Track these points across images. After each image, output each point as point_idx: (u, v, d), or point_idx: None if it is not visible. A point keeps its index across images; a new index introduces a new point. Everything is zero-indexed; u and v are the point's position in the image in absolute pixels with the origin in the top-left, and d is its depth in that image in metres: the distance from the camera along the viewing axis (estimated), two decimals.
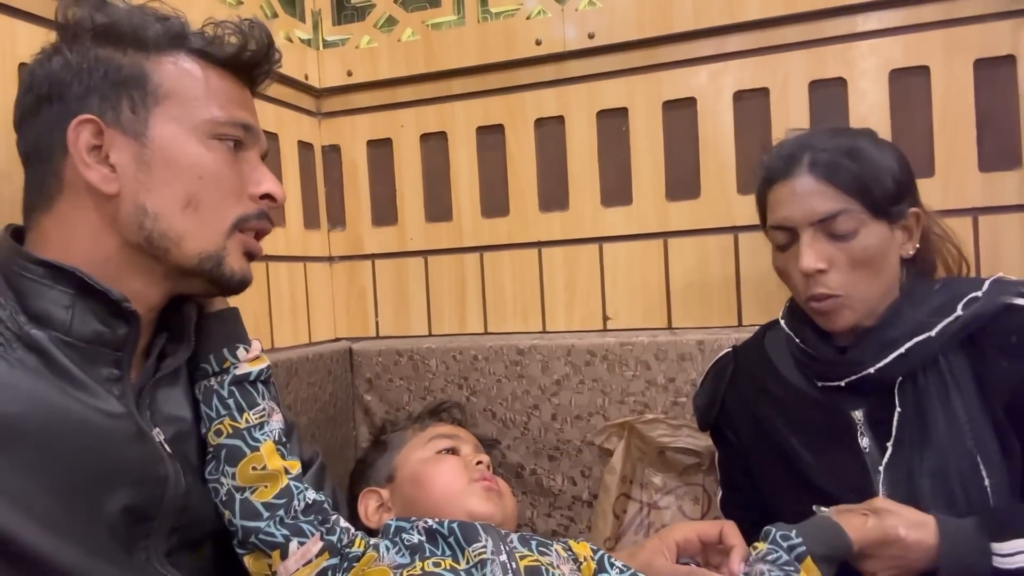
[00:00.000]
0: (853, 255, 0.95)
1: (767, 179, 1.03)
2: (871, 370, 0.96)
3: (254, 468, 0.81)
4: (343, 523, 0.85)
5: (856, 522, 0.88)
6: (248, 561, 0.81)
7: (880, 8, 1.33)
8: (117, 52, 0.76)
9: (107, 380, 0.73)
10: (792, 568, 0.83)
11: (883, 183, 0.96)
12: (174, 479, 0.76)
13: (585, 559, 0.89)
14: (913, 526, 0.88)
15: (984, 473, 0.92)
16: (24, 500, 0.64)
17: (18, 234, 0.78)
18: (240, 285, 0.83)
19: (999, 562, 0.86)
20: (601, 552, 0.90)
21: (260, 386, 0.86)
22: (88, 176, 0.74)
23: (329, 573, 0.81)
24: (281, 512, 0.80)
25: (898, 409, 0.97)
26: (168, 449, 0.77)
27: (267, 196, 0.84)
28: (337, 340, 1.67)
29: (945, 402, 0.95)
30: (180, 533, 0.78)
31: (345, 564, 0.81)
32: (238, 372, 0.85)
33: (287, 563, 0.79)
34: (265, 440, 0.83)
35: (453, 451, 1.02)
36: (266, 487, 0.81)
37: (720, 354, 1.19)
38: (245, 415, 0.83)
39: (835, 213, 0.95)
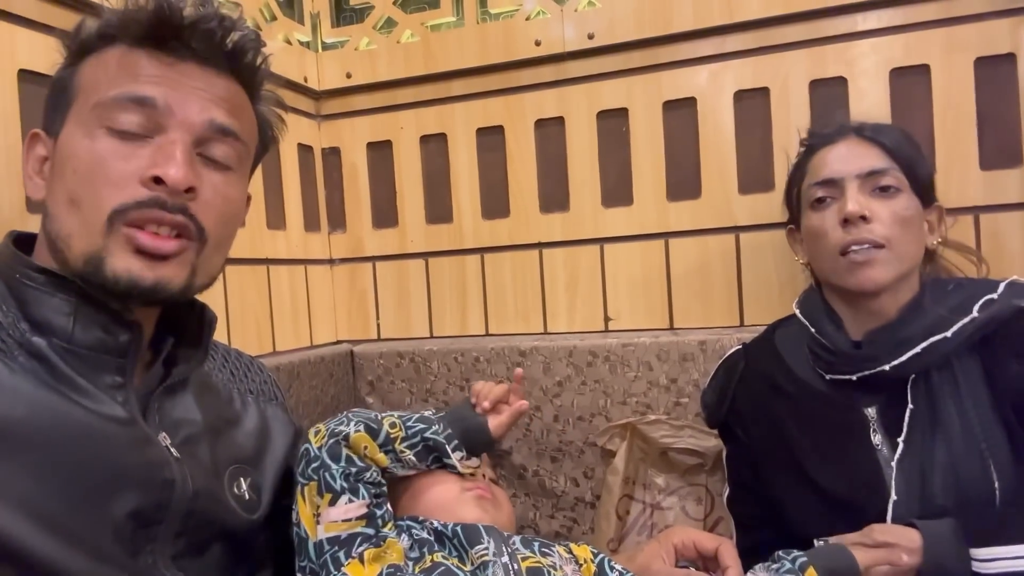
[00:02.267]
0: (895, 211, 0.99)
1: (812, 146, 1.08)
2: (886, 367, 0.97)
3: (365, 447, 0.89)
4: (389, 507, 0.89)
5: (866, 558, 0.89)
6: (307, 491, 0.85)
7: (880, 7, 1.33)
8: (66, 65, 0.77)
9: (110, 387, 0.73)
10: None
11: (923, 163, 1.03)
12: (181, 483, 0.75)
13: (585, 561, 0.89)
14: (911, 552, 0.88)
15: (994, 474, 0.92)
16: (29, 505, 0.64)
17: (19, 241, 0.78)
18: (130, 290, 0.71)
19: (978, 567, 0.87)
20: (601, 555, 0.90)
21: None
22: (25, 186, 0.77)
23: (359, 540, 0.84)
24: (354, 470, 0.86)
25: (910, 406, 0.98)
26: (176, 453, 0.77)
27: (159, 180, 0.71)
28: (338, 343, 1.67)
29: (957, 401, 0.96)
30: (187, 537, 0.77)
31: (374, 539, 0.85)
32: None
33: (331, 511, 0.84)
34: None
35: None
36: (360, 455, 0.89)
37: (730, 351, 1.19)
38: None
39: (883, 169, 1.00)
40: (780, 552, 0.90)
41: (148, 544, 0.73)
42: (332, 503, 0.84)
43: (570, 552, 0.90)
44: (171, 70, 0.74)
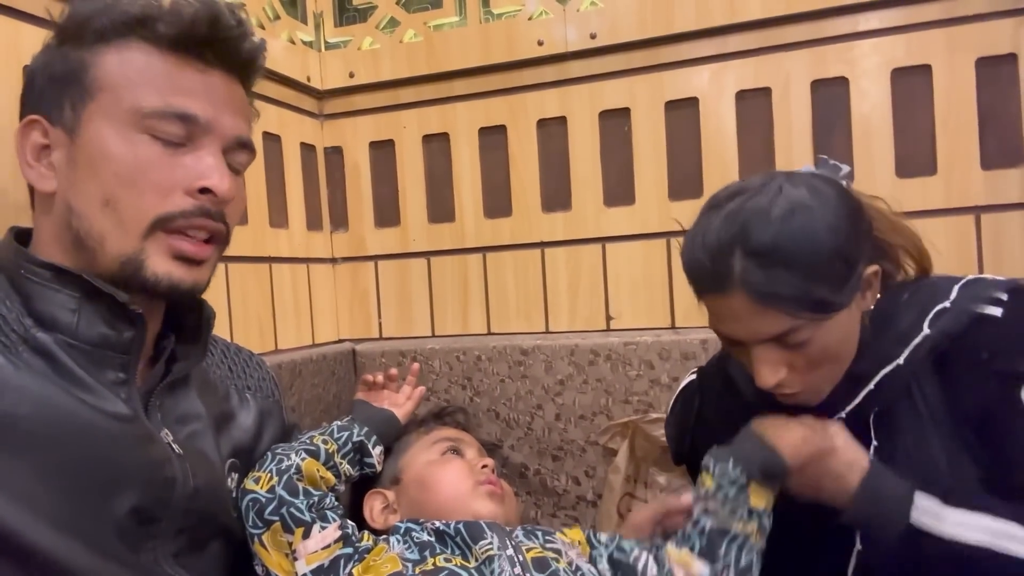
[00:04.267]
0: (811, 358, 0.84)
1: (696, 289, 0.88)
2: (843, 414, 0.89)
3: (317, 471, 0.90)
4: (352, 523, 0.89)
5: (794, 438, 0.85)
6: (267, 538, 0.84)
7: (881, 7, 1.33)
8: (71, 49, 0.74)
9: (113, 383, 0.73)
10: (743, 496, 0.85)
11: (828, 278, 0.80)
12: (182, 480, 0.75)
13: (580, 543, 0.92)
14: (851, 447, 0.84)
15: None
16: (32, 501, 0.65)
17: (21, 236, 0.78)
18: (171, 291, 0.75)
19: (943, 530, 0.80)
20: (588, 531, 0.94)
21: None
22: (27, 175, 0.74)
23: (342, 562, 0.84)
24: (315, 499, 0.87)
25: (874, 443, 0.89)
26: (178, 450, 0.77)
27: (206, 191, 0.74)
28: (340, 341, 1.68)
29: (918, 432, 0.88)
30: (187, 533, 0.78)
31: (356, 556, 0.85)
32: None
33: (307, 543, 0.83)
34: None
35: (458, 453, 1.03)
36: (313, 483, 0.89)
37: (684, 382, 1.11)
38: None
39: (784, 332, 0.82)
40: (715, 468, 0.86)
41: (149, 541, 0.74)
42: (306, 536, 0.84)
43: (565, 536, 0.92)
44: (204, 81, 0.76)
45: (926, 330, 0.86)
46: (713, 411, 1.04)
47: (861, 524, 0.86)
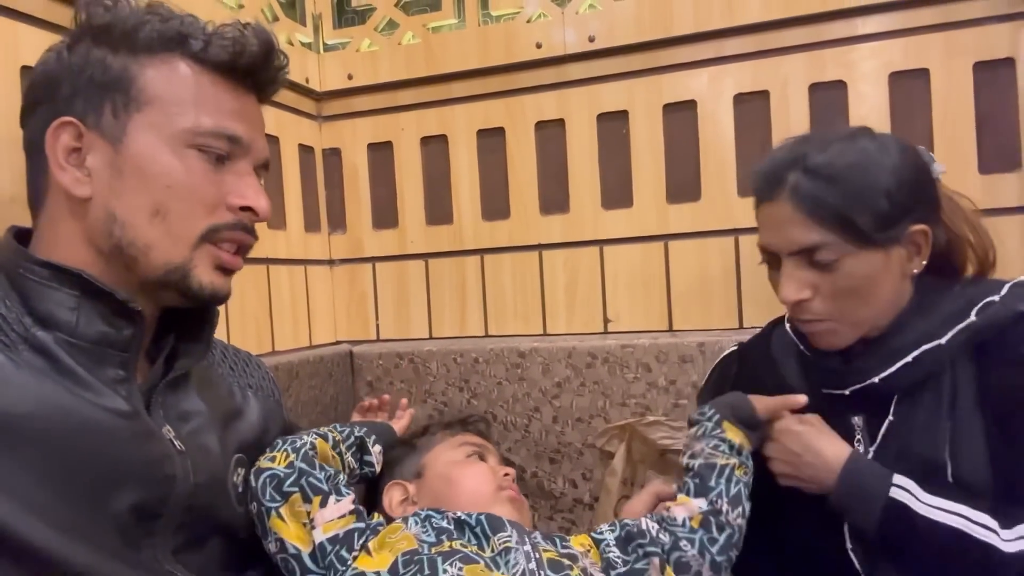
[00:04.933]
0: (836, 284, 0.91)
1: (755, 197, 0.99)
2: (875, 379, 0.94)
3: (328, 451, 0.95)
4: (362, 507, 0.93)
5: (765, 398, 1.01)
6: (285, 510, 0.85)
7: (880, 11, 1.34)
8: (109, 53, 0.74)
9: (114, 381, 0.73)
10: (719, 431, 1.00)
11: (874, 207, 0.89)
12: (182, 477, 0.76)
13: (590, 548, 0.94)
14: (830, 434, 0.92)
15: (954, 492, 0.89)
16: (32, 499, 0.65)
17: (21, 236, 0.78)
18: (212, 299, 0.80)
19: (926, 511, 0.86)
20: (592, 534, 0.97)
21: None
22: (61, 178, 0.74)
23: (356, 535, 0.86)
24: (331, 472, 0.90)
25: (890, 418, 0.94)
26: (180, 447, 0.77)
27: (248, 209, 0.80)
28: (338, 343, 1.67)
29: (949, 410, 0.91)
30: (187, 530, 0.78)
31: (368, 532, 0.87)
32: None
33: (324, 512, 0.86)
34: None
35: (481, 459, 1.06)
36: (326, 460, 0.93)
37: (725, 352, 1.18)
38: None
39: (814, 246, 0.90)
40: (693, 414, 1.04)
41: (149, 538, 0.74)
42: (323, 504, 0.86)
43: (577, 545, 0.94)
44: (244, 104, 0.81)
45: (972, 317, 0.91)
46: (748, 381, 1.10)
47: (843, 505, 0.92)
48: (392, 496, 1.02)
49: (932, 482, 0.89)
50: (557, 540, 0.92)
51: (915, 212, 0.92)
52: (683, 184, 1.46)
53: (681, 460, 1.02)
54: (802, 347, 1.03)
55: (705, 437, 0.99)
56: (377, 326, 1.68)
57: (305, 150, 1.62)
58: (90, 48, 0.75)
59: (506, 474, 1.02)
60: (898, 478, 0.89)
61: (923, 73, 1.32)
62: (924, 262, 0.94)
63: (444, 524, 0.89)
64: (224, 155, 0.78)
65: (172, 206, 0.75)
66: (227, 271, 0.81)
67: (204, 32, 0.78)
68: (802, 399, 0.98)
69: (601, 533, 0.95)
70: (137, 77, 0.74)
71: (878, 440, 0.95)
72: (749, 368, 1.13)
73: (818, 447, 0.94)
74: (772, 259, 0.97)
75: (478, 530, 0.88)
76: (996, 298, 0.91)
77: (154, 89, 0.75)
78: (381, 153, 1.66)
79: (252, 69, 0.80)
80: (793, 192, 0.91)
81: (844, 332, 0.95)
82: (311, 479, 0.87)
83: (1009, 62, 1.28)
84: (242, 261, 0.83)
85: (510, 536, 0.87)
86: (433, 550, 0.84)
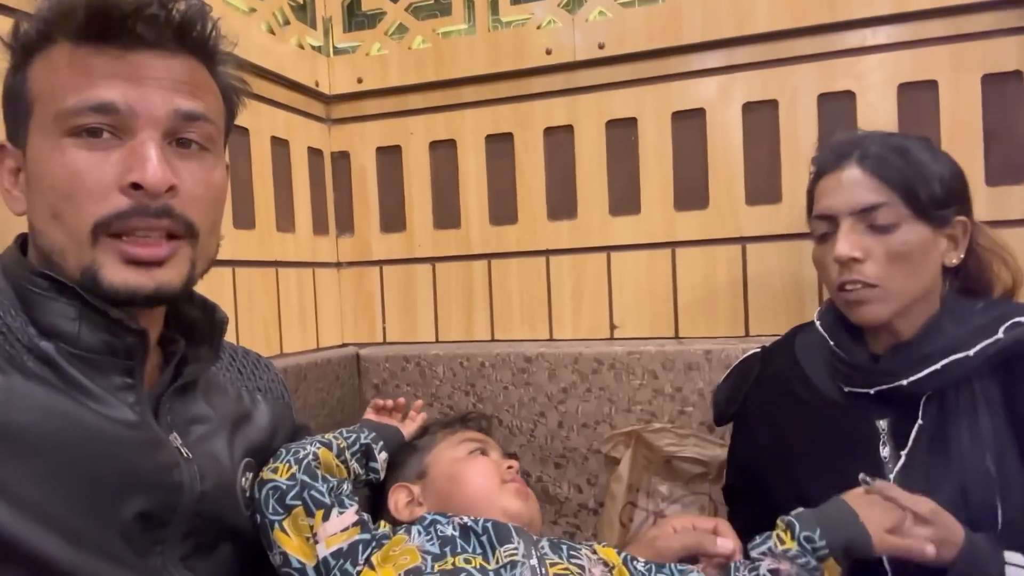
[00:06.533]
0: (890, 247, 0.97)
1: (817, 172, 1.06)
2: (904, 382, 0.96)
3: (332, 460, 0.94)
4: (367, 514, 0.91)
5: (885, 520, 0.86)
6: (288, 523, 0.85)
7: (889, 23, 1.34)
8: (16, 68, 0.73)
9: (119, 389, 0.73)
10: (817, 566, 0.85)
11: (930, 185, 0.97)
12: (189, 484, 0.76)
13: (616, 565, 0.91)
14: (945, 545, 0.85)
15: (998, 496, 0.91)
16: (40, 509, 0.65)
17: (26, 245, 0.78)
18: (130, 299, 0.70)
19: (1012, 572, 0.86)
20: (624, 554, 0.92)
21: None
22: (5, 201, 0.75)
23: (360, 547, 0.85)
24: (334, 483, 0.89)
25: (919, 422, 0.97)
26: (187, 454, 0.77)
27: (137, 186, 0.68)
28: (345, 346, 1.68)
29: (972, 421, 0.95)
30: (195, 537, 0.78)
31: (374, 543, 0.87)
32: None
33: (327, 526, 0.85)
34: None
35: (484, 454, 1.05)
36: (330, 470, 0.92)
37: (747, 353, 1.20)
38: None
39: (877, 204, 0.97)
40: (801, 535, 0.85)
41: (157, 545, 0.74)
42: (326, 518, 0.85)
43: (595, 553, 0.91)
44: (123, 64, 0.69)
45: (1000, 334, 0.94)
46: (772, 383, 1.13)
47: None
48: (398, 498, 1.01)
49: (976, 491, 0.91)
50: (564, 547, 0.90)
51: (960, 204, 1.00)
52: (691, 192, 1.47)
53: (751, 550, 0.89)
54: (832, 343, 1.05)
55: (801, 569, 0.85)
56: (384, 329, 1.69)
57: (314, 153, 1.63)
58: (11, 70, 0.74)
59: (509, 467, 1.02)
60: (1010, 555, 0.88)
61: (931, 85, 1.33)
62: (961, 256, 1.01)
63: (450, 531, 0.88)
64: (99, 129, 0.68)
65: (60, 206, 0.69)
66: (144, 264, 0.70)
67: (67, 6, 0.69)
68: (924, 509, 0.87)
69: (635, 570, 0.90)
70: (25, 81, 0.72)
71: (909, 445, 0.97)
72: (771, 369, 1.15)
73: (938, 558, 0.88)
74: (827, 227, 1.02)
75: (484, 538, 0.87)
76: (1023, 319, 0.95)
77: (37, 87, 0.71)
78: (390, 157, 1.67)
79: (116, 20, 0.68)
80: (862, 158, 1.00)
81: (885, 301, 0.98)
82: (313, 492, 0.86)
83: (1017, 75, 1.28)
84: (177, 247, 0.72)
85: (516, 548, 0.85)
86: (436, 567, 0.83)
